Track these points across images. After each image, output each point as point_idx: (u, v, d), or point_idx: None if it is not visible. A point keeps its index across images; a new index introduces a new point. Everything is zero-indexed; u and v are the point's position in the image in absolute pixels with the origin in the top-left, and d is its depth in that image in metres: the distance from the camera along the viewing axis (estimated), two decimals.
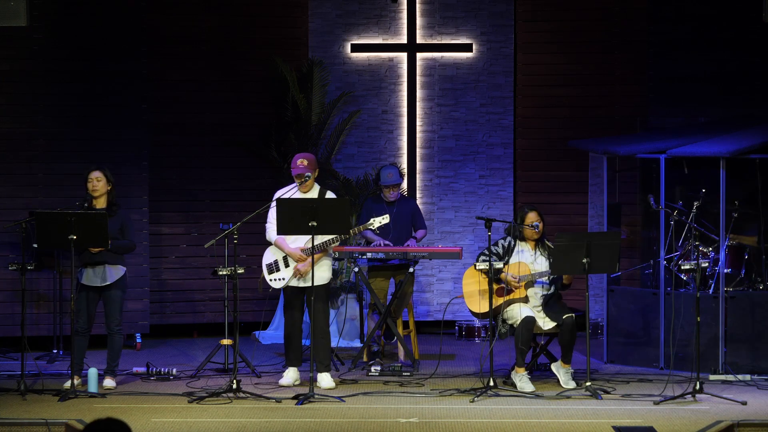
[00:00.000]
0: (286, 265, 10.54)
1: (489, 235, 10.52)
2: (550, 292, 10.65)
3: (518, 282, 10.55)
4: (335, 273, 13.19)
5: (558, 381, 10.51)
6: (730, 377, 10.85)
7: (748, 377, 10.84)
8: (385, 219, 10.68)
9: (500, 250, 10.69)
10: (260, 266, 10.64)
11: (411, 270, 11.38)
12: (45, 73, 12.87)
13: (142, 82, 13.10)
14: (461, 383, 10.58)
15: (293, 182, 10.60)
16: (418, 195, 14.15)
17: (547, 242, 10.73)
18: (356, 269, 11.49)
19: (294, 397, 9.86)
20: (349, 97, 14.10)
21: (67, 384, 10.18)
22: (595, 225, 12.84)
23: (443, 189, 14.24)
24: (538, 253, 10.70)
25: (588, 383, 10.09)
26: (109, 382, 10.44)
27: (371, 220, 10.67)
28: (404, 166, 14.03)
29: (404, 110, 14.20)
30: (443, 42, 14.20)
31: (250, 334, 13.07)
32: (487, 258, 10.40)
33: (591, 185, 13.36)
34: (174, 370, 10.97)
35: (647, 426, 8.80)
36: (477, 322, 13.39)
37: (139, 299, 13.03)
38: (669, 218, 11.12)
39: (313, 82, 13.73)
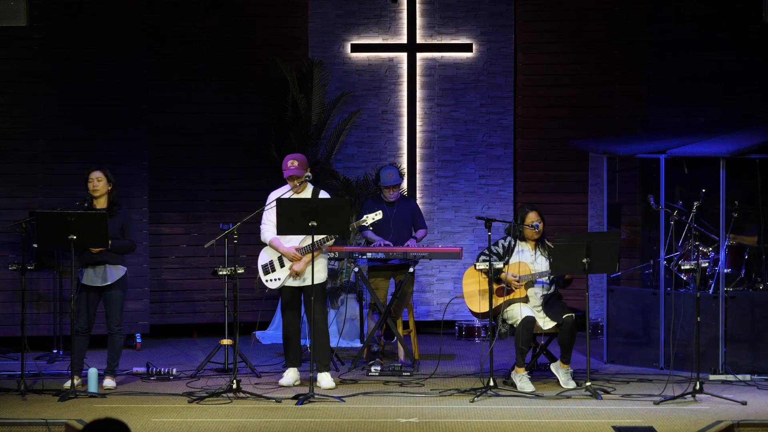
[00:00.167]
0: (282, 265, 10.53)
1: (489, 235, 10.52)
2: (550, 292, 10.66)
3: (519, 282, 10.55)
4: (335, 273, 13.20)
5: (558, 381, 10.51)
6: (730, 377, 10.85)
7: (748, 377, 10.84)
8: (378, 215, 10.68)
9: (500, 250, 10.69)
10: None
11: (411, 270, 11.38)
12: (45, 73, 12.87)
13: (142, 82, 13.11)
14: (461, 383, 10.58)
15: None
16: (418, 195, 14.15)
17: (547, 242, 10.73)
18: (356, 269, 11.49)
19: (294, 397, 9.86)
20: (349, 97, 14.10)
21: (67, 384, 10.18)
22: (595, 225, 12.84)
23: (443, 189, 14.24)
24: (538, 253, 10.70)
25: (588, 383, 10.09)
26: (109, 382, 10.44)
27: (364, 217, 10.68)
28: (404, 166, 14.03)
29: (404, 110, 14.21)
30: (443, 42, 14.20)
31: (250, 334, 13.07)
32: (487, 258, 10.40)
33: (591, 185, 13.36)
34: (174, 370, 10.97)
35: (647, 426, 8.80)
36: (477, 322, 13.39)
37: (139, 299, 13.03)
38: (669, 218, 11.12)
39: (313, 82, 13.73)
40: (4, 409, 9.41)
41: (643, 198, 12.32)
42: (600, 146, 12.20)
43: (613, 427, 8.74)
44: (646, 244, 12.91)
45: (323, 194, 10.59)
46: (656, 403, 9.75)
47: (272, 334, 13.30)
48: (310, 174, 10.57)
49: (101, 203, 10.54)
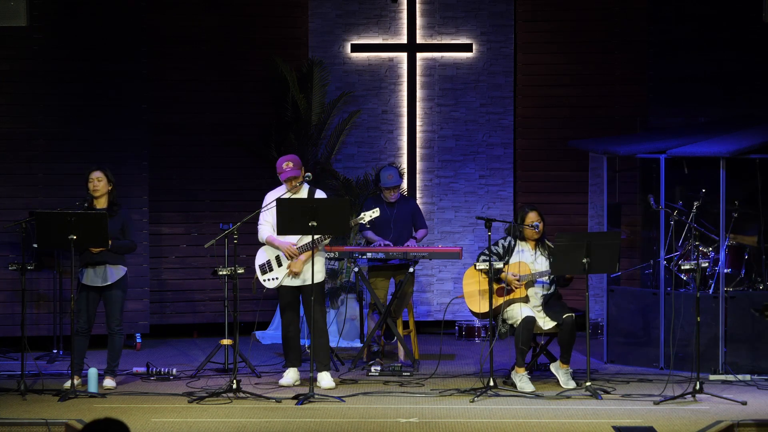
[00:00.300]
0: (279, 265, 10.53)
1: (489, 235, 10.52)
2: (550, 292, 10.66)
3: (519, 282, 10.55)
4: (335, 273, 13.20)
5: (558, 381, 10.51)
6: (730, 377, 10.85)
7: (748, 377, 10.84)
8: (375, 212, 10.67)
9: (500, 250, 10.69)
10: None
11: (411, 270, 11.38)
12: (45, 73, 12.87)
13: (142, 82, 13.10)
14: (461, 383, 10.58)
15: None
16: (418, 195, 14.15)
17: (547, 242, 10.73)
18: (356, 269, 11.49)
19: (294, 397, 9.86)
20: (349, 97, 14.10)
21: (67, 384, 10.18)
22: (595, 225, 12.84)
23: (443, 189, 14.24)
24: (539, 252, 10.70)
25: (588, 383, 10.09)
26: (109, 382, 10.44)
27: (362, 214, 10.67)
28: (404, 166, 14.03)
29: (404, 110, 14.21)
30: (443, 42, 14.20)
31: (250, 334, 13.07)
32: (487, 258, 10.40)
33: (591, 185, 13.36)
34: (174, 370, 10.97)
35: (647, 426, 8.80)
36: (477, 322, 13.39)
37: (139, 299, 13.03)
38: (669, 218, 11.12)
39: (313, 82, 13.73)
40: (4, 409, 9.41)
41: (643, 198, 12.32)
42: (600, 146, 12.20)
43: (613, 427, 8.74)
44: (646, 244, 12.91)
45: (319, 193, 10.58)
46: (656, 403, 9.75)
47: (272, 334, 13.30)
48: (310, 174, 10.56)
49: (101, 203, 10.54)
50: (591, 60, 14.04)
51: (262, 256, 10.60)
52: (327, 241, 10.50)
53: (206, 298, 13.70)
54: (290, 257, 10.45)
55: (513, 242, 10.74)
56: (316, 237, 10.25)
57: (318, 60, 13.89)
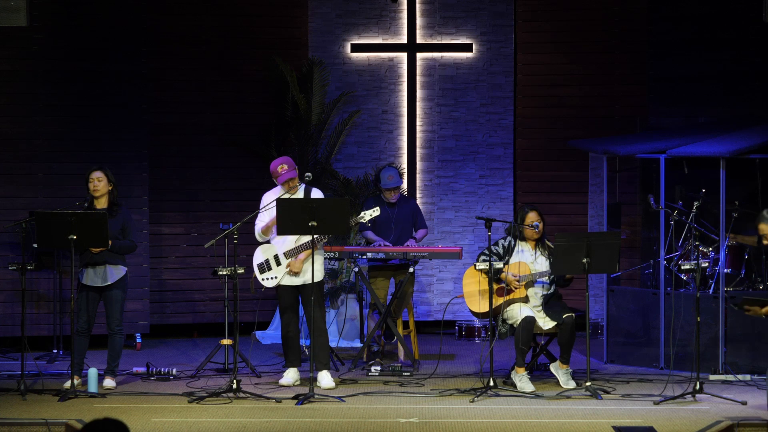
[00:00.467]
0: (278, 264, 10.53)
1: (489, 235, 10.52)
2: (550, 292, 10.66)
3: (519, 282, 10.55)
4: (335, 273, 13.20)
5: (558, 381, 10.51)
6: (730, 377, 10.85)
7: (748, 377, 10.84)
8: (375, 211, 10.67)
9: (500, 250, 10.69)
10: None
11: (411, 270, 11.38)
12: (45, 73, 12.87)
13: (142, 82, 13.11)
14: (461, 383, 10.58)
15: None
16: (418, 195, 14.15)
17: (547, 242, 10.73)
18: (356, 269, 11.49)
19: (294, 397, 9.86)
20: (349, 97, 14.10)
21: (67, 384, 10.18)
22: (595, 225, 12.84)
23: (443, 189, 14.24)
24: (539, 253, 10.70)
25: (588, 383, 10.09)
26: (109, 382, 10.43)
27: (362, 213, 10.66)
28: (404, 166, 14.03)
29: (404, 110, 14.21)
30: (443, 42, 14.20)
31: (250, 334, 13.07)
32: (487, 258, 10.40)
33: (591, 185, 13.36)
34: (174, 370, 10.97)
35: (647, 426, 8.80)
36: (477, 322, 13.39)
37: (139, 299, 13.03)
38: (669, 218, 11.12)
39: (313, 82, 13.73)
40: (4, 409, 9.41)
41: (643, 198, 12.32)
42: (600, 146, 12.20)
43: (613, 427, 8.74)
44: (646, 244, 12.91)
45: (316, 192, 10.57)
46: (656, 403, 9.75)
47: (272, 334, 13.30)
48: (310, 174, 10.55)
49: (102, 203, 10.54)
50: (591, 60, 14.04)
51: (260, 255, 10.60)
52: (325, 239, 10.50)
53: (206, 298, 13.70)
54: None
55: (513, 242, 10.74)
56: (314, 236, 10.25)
57: (318, 60, 13.89)
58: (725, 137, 11.68)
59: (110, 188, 10.55)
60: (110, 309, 10.51)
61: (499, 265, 10.43)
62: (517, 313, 10.48)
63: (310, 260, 10.27)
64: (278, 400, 9.80)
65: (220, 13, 13.83)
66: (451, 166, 14.22)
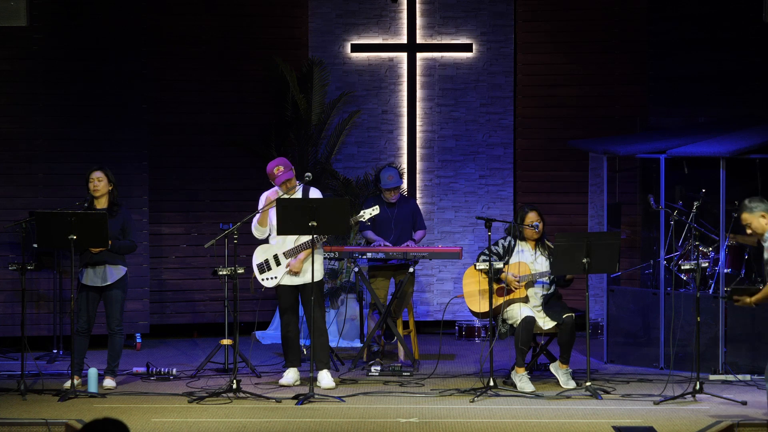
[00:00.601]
0: (278, 264, 10.53)
1: (489, 235, 10.52)
2: (550, 292, 10.66)
3: (519, 282, 10.55)
4: (335, 273, 13.20)
5: (558, 381, 10.51)
6: (730, 377, 10.85)
7: (748, 377, 10.84)
8: (375, 210, 10.66)
9: (500, 250, 10.69)
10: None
11: (411, 270, 11.38)
12: (45, 73, 12.87)
13: (142, 82, 13.11)
14: (461, 383, 10.58)
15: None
16: (418, 195, 14.15)
17: (547, 242, 10.73)
18: (356, 269, 11.49)
19: (294, 397, 9.86)
20: (349, 97, 14.10)
21: (67, 384, 10.18)
22: (595, 225, 12.84)
23: (443, 189, 14.24)
24: (538, 253, 10.70)
25: (588, 383, 10.09)
26: (109, 382, 10.43)
27: (361, 212, 10.65)
28: (404, 166, 14.03)
29: (404, 110, 14.21)
30: (443, 42, 14.20)
31: (250, 334, 13.07)
32: (487, 258, 10.40)
33: (591, 185, 13.36)
34: (174, 370, 10.97)
35: (647, 426, 8.80)
36: (477, 322, 13.39)
37: (139, 299, 13.03)
38: (669, 218, 11.12)
39: (313, 82, 13.73)
40: (4, 409, 9.41)
41: (643, 198, 12.32)
42: (600, 146, 12.20)
43: (613, 427, 8.74)
44: (646, 244, 12.91)
45: (314, 192, 10.56)
46: (656, 403, 9.75)
47: (272, 334, 13.30)
48: (310, 174, 10.55)
49: (102, 203, 10.53)
50: (591, 60, 14.04)
51: (259, 255, 10.59)
52: (324, 240, 10.50)
53: (206, 298, 13.70)
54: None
55: (513, 242, 10.74)
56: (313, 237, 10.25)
57: (318, 60, 13.89)
58: (725, 137, 11.68)
59: (110, 188, 10.55)
60: (110, 309, 10.51)
61: (499, 265, 10.43)
62: (517, 313, 10.48)
63: (310, 260, 10.27)
64: (278, 400, 9.80)
65: (220, 13, 13.83)
66: (451, 166, 14.22)
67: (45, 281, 12.63)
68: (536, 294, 10.64)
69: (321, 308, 10.55)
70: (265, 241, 10.65)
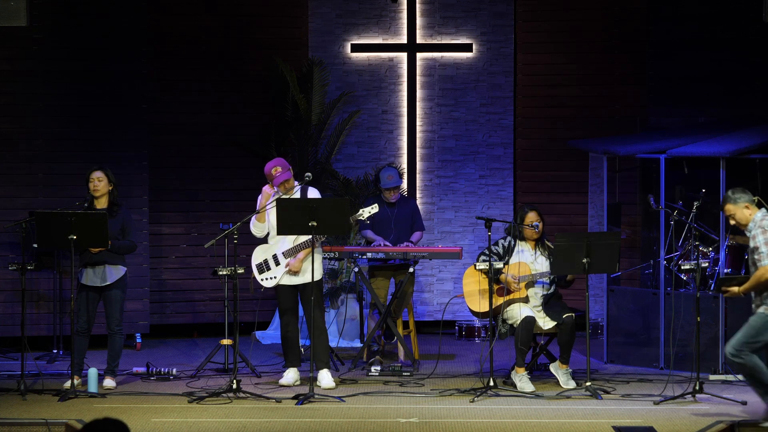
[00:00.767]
0: (277, 264, 10.52)
1: (489, 235, 10.52)
2: (550, 292, 10.66)
3: (518, 283, 10.55)
4: (335, 273, 13.20)
5: (558, 381, 10.51)
6: (730, 377, 10.85)
7: None
8: (374, 208, 10.66)
9: (500, 250, 10.70)
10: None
11: (411, 270, 11.38)
12: (45, 73, 12.87)
13: (142, 82, 13.11)
14: (461, 383, 10.58)
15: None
16: (418, 195, 14.15)
17: (547, 242, 10.73)
18: (356, 269, 11.49)
19: (294, 397, 9.86)
20: (349, 97, 14.10)
21: (67, 384, 10.18)
22: (595, 225, 12.84)
23: (443, 189, 14.24)
24: (538, 253, 10.70)
25: (588, 383, 10.09)
26: (109, 382, 10.44)
27: (360, 211, 10.63)
28: (404, 166, 14.03)
29: (404, 110, 14.21)
30: (443, 42, 14.20)
31: (250, 334, 13.07)
32: (487, 258, 10.40)
33: (591, 185, 13.36)
34: (174, 370, 10.97)
35: (647, 426, 8.80)
36: (477, 322, 13.39)
37: (139, 299, 13.03)
38: (669, 218, 11.12)
39: (313, 82, 13.73)
40: (4, 409, 9.41)
41: (643, 198, 12.31)
42: (600, 146, 12.20)
43: (613, 427, 8.74)
44: (646, 244, 12.91)
45: (312, 192, 10.56)
46: (656, 403, 9.75)
47: (272, 334, 13.30)
48: (310, 174, 10.55)
49: (102, 203, 10.54)
50: (591, 60, 14.04)
51: (258, 255, 10.59)
52: (323, 239, 10.50)
53: (206, 298, 13.70)
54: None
55: (513, 242, 10.74)
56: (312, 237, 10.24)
57: (318, 60, 13.89)
58: (725, 137, 11.68)
59: (110, 188, 10.55)
60: (110, 309, 10.51)
61: (499, 265, 10.43)
62: (517, 313, 10.48)
63: (309, 259, 10.27)
64: (278, 400, 9.81)
65: (220, 13, 13.83)
66: (451, 166, 14.22)
67: (45, 281, 12.63)
68: (536, 294, 10.64)
69: (320, 308, 10.55)
70: (264, 240, 10.65)
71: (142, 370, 11.04)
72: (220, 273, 10.89)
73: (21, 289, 10.25)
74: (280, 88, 13.76)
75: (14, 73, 12.83)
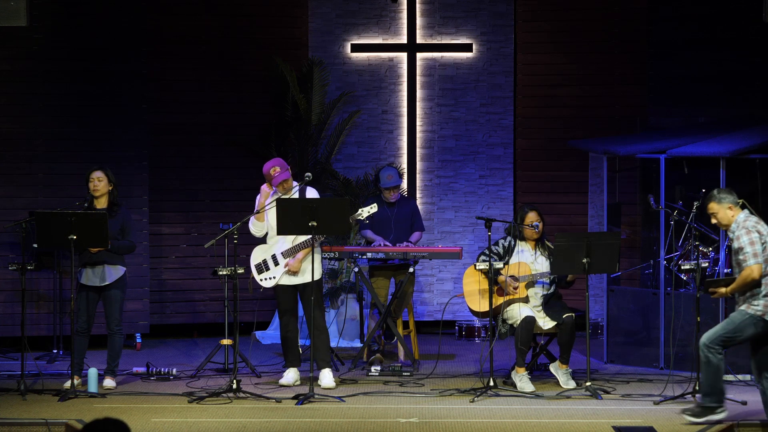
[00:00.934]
0: (276, 264, 10.52)
1: (489, 235, 10.52)
2: (550, 292, 10.66)
3: (515, 286, 10.53)
4: (335, 273, 13.20)
5: (558, 381, 10.51)
6: (730, 377, 10.84)
7: (748, 377, 10.83)
8: (373, 208, 10.66)
9: (500, 250, 10.70)
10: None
11: (411, 270, 11.38)
12: (45, 73, 12.87)
13: (142, 82, 13.11)
14: (461, 383, 10.58)
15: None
16: (418, 195, 14.15)
17: (547, 242, 10.73)
18: (356, 269, 11.49)
19: (294, 397, 9.86)
20: (349, 97, 14.10)
21: (67, 384, 10.18)
22: (595, 225, 12.84)
23: (443, 189, 14.24)
24: (539, 253, 10.70)
25: (588, 383, 10.09)
26: (109, 382, 10.44)
27: (359, 211, 10.63)
28: (404, 166, 14.04)
29: (404, 110, 14.21)
30: (443, 42, 14.20)
31: (250, 334, 13.07)
32: (487, 258, 10.40)
33: (591, 185, 13.36)
34: (174, 370, 10.97)
35: (647, 426, 8.80)
36: (477, 322, 13.39)
37: (139, 299, 13.03)
38: (669, 218, 11.12)
39: (313, 82, 13.73)
40: (4, 409, 9.41)
41: (643, 198, 12.31)
42: (600, 146, 12.20)
43: (613, 427, 8.74)
44: (646, 244, 12.91)
45: (311, 192, 10.56)
46: (656, 403, 9.75)
47: (272, 334, 13.30)
48: (310, 174, 10.55)
49: (102, 203, 10.54)
50: (591, 60, 14.04)
51: (257, 255, 10.59)
52: (322, 239, 10.50)
53: (206, 298, 13.70)
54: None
55: (513, 242, 10.74)
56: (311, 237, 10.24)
57: (318, 60, 13.89)
58: (725, 137, 11.69)
59: (110, 188, 10.55)
60: (109, 309, 10.51)
61: (499, 265, 10.43)
62: (517, 313, 10.48)
63: (309, 259, 10.27)
64: (278, 400, 9.81)
65: (220, 13, 13.83)
66: (451, 166, 14.22)
67: (45, 281, 12.63)
68: (536, 294, 10.64)
69: (321, 307, 10.55)
70: (263, 240, 10.65)
71: (142, 370, 11.04)
72: (220, 273, 10.89)
73: (21, 289, 10.25)
74: (280, 88, 13.76)
75: (14, 73, 12.83)
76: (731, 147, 11.16)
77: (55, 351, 12.29)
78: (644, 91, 13.74)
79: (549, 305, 10.61)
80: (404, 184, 13.71)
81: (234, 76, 13.85)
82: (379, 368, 10.94)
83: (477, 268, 10.49)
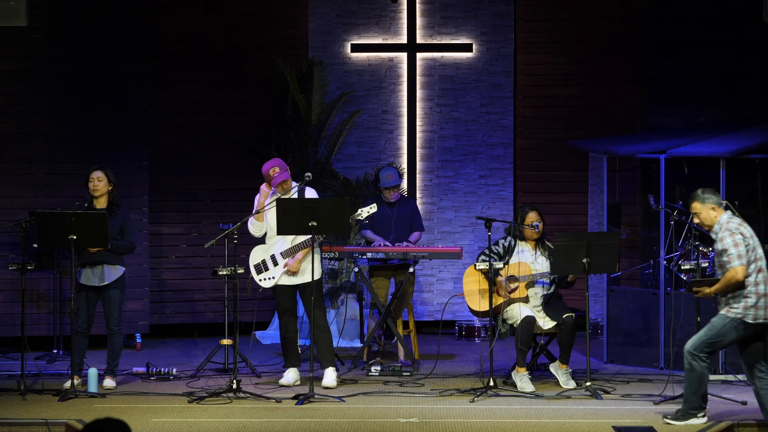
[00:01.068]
0: (275, 264, 10.52)
1: (489, 235, 10.52)
2: (550, 292, 10.66)
3: (510, 289, 10.53)
4: (335, 273, 13.20)
5: (558, 381, 10.51)
6: (730, 377, 10.85)
7: None
8: (372, 208, 10.66)
9: (500, 250, 10.70)
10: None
11: (411, 270, 11.38)
12: (45, 73, 12.87)
13: (142, 82, 13.11)
14: (461, 383, 10.58)
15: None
16: (418, 195, 14.15)
17: (547, 242, 10.73)
18: (356, 269, 11.49)
19: (294, 397, 9.86)
20: (349, 97, 14.10)
21: (67, 384, 10.18)
22: (595, 225, 12.84)
23: (443, 189, 14.25)
24: (539, 253, 10.71)
25: (588, 383, 10.10)
26: (109, 382, 10.44)
27: (359, 211, 10.62)
28: (404, 166, 14.04)
29: (404, 110, 14.21)
30: (443, 42, 14.20)
31: (250, 334, 13.07)
32: (487, 258, 10.41)
33: (591, 185, 13.36)
34: (174, 370, 10.97)
35: (647, 426, 8.80)
36: (477, 322, 13.40)
37: (139, 299, 13.03)
38: (669, 218, 11.12)
39: (313, 82, 13.73)
40: (4, 409, 9.41)
41: (643, 198, 12.31)
42: (600, 146, 12.20)
43: (613, 427, 8.74)
44: (646, 244, 12.91)
45: (310, 192, 10.56)
46: (656, 403, 9.75)
47: (272, 334, 13.30)
48: (310, 174, 10.54)
49: (101, 203, 10.53)
50: (591, 60, 14.04)
51: (256, 255, 10.59)
52: (321, 239, 10.50)
53: (206, 298, 13.70)
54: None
55: (513, 242, 10.74)
56: (310, 237, 10.24)
57: (318, 60, 13.89)
58: (725, 137, 11.69)
59: (110, 188, 10.55)
60: (108, 309, 10.51)
61: (499, 265, 10.43)
62: (517, 313, 10.48)
63: (308, 259, 10.27)
64: (278, 400, 9.81)
65: (220, 13, 13.83)
66: (451, 166, 14.22)
67: (45, 281, 12.63)
68: (536, 294, 10.64)
69: (321, 306, 10.55)
70: (262, 241, 10.65)
71: (142, 370, 11.04)
72: (220, 273, 10.89)
73: (21, 289, 10.25)
74: (280, 88, 13.76)
75: (14, 73, 12.83)
76: (731, 147, 11.16)
77: (55, 351, 12.29)
78: (644, 91, 13.74)
79: (549, 305, 10.61)
80: (404, 184, 13.71)
81: (234, 76, 13.85)
82: (379, 368, 10.94)
83: (477, 268, 10.49)
